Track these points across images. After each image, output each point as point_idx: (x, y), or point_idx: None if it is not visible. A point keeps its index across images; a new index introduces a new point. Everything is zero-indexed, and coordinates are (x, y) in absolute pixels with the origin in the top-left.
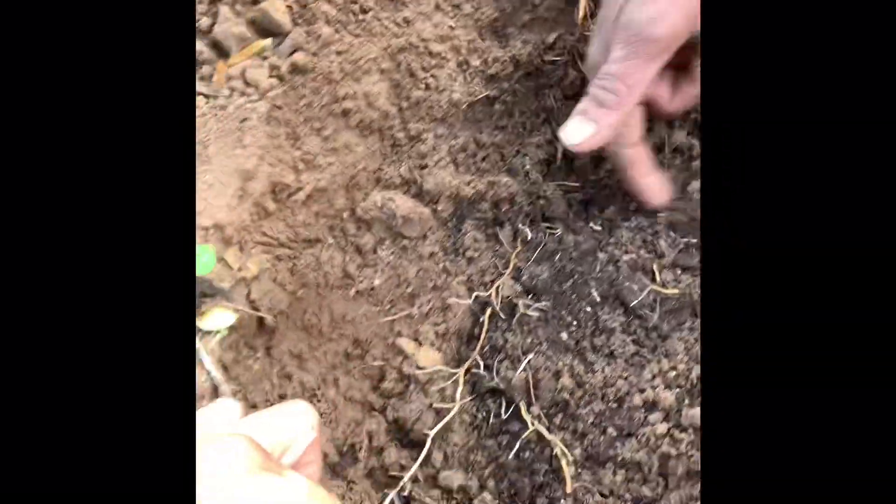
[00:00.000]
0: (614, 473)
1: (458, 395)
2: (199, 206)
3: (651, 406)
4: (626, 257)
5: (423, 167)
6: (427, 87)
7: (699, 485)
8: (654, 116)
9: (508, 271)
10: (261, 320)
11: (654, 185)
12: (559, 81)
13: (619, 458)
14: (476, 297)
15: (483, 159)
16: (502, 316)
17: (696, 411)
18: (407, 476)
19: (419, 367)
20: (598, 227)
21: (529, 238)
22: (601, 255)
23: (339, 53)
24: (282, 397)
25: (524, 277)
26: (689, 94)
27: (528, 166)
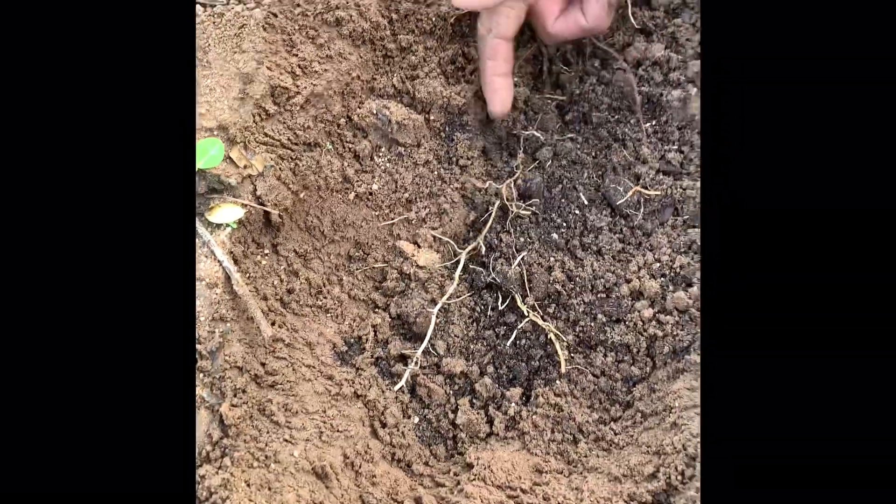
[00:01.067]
0: (605, 356)
1: (456, 274)
2: (202, 108)
3: (637, 294)
4: (611, 163)
5: (414, 78)
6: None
7: (683, 361)
8: (535, 33)
9: (514, 177)
10: (267, 216)
11: (500, 88)
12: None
13: (610, 342)
14: (473, 201)
15: (472, 73)
16: (497, 218)
17: (680, 294)
18: (414, 360)
19: (419, 267)
20: (585, 137)
21: (519, 148)
22: (588, 161)
23: None
24: (290, 292)
25: (517, 182)
26: (574, 22)
27: (515, 80)
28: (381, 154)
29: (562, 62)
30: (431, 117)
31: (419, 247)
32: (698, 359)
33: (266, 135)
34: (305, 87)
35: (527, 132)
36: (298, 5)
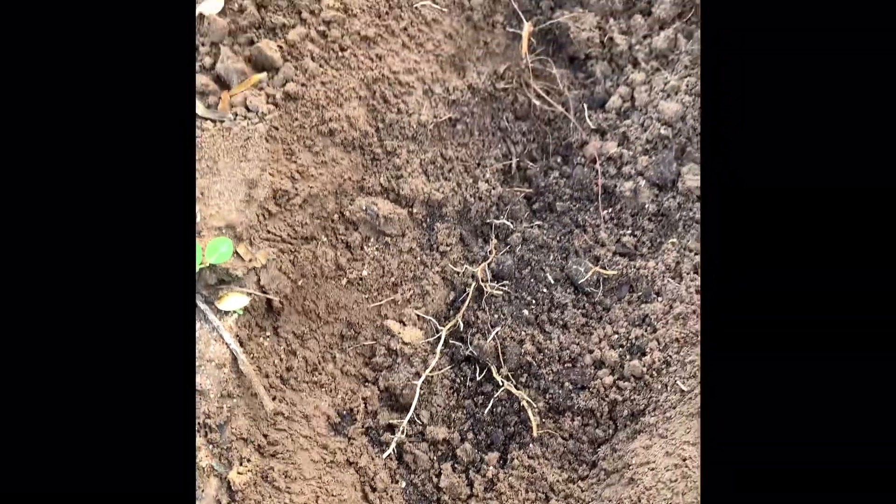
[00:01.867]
0: (572, 420)
1: (438, 349)
2: (212, 210)
3: (599, 363)
4: (573, 246)
5: (398, 177)
6: (399, 110)
7: (640, 423)
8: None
9: (488, 261)
10: (269, 303)
11: None
12: (511, 105)
13: (576, 407)
14: (452, 282)
15: (449, 171)
16: (474, 298)
17: (635, 363)
18: (400, 429)
19: (404, 343)
20: (550, 223)
21: (493, 235)
22: (553, 245)
23: (323, 84)
24: (289, 370)
25: (491, 265)
26: None
27: (488, 175)
28: (370, 244)
29: (528, 159)
30: (414, 210)
31: (404, 325)
32: (653, 420)
33: (269, 232)
34: (303, 189)
35: (498, 221)
36: (296, 119)
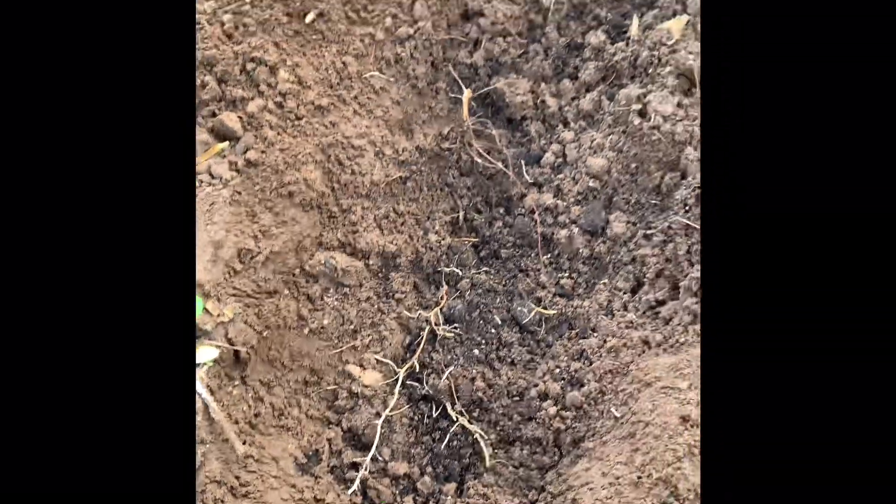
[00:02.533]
0: (521, 449)
1: (396, 390)
2: None
3: (544, 396)
4: (517, 290)
5: (354, 232)
6: (353, 172)
7: (581, 448)
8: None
9: (440, 306)
10: (237, 354)
11: None
12: (455, 163)
13: (524, 437)
14: (407, 327)
15: (402, 224)
16: (427, 340)
17: (575, 394)
18: (363, 466)
19: (365, 386)
20: (496, 269)
21: (444, 281)
22: (499, 289)
23: (281, 150)
24: (257, 415)
25: (443, 309)
26: None
27: (437, 227)
28: (329, 295)
29: (474, 211)
30: (370, 262)
31: (364, 369)
32: (591, 444)
33: (235, 288)
34: (266, 248)
35: (448, 269)
36: (257, 184)
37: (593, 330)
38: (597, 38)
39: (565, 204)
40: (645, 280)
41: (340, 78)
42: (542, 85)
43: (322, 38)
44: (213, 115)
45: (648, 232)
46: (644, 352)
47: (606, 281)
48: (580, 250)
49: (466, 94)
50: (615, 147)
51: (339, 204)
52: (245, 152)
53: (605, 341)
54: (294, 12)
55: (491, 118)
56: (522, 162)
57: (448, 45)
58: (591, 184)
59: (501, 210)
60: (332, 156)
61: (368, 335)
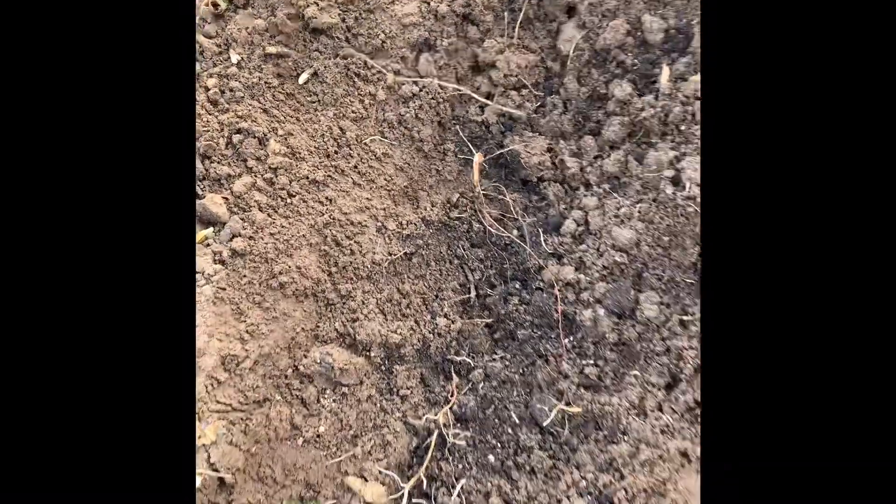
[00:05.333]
0: None
1: None
2: None
3: None
4: (536, 380)
5: (354, 320)
6: (352, 252)
7: None
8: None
9: (450, 404)
10: (221, 479)
11: None
12: (466, 233)
13: None
14: (414, 427)
15: (407, 306)
16: (436, 446)
17: None
18: None
19: (366, 502)
20: (513, 353)
21: (454, 373)
22: (516, 379)
23: (272, 235)
24: None
25: (454, 407)
26: None
27: (446, 308)
28: (326, 395)
29: (487, 286)
30: (372, 354)
31: (366, 481)
32: None
33: (218, 402)
34: (254, 350)
35: (459, 357)
36: (244, 276)
37: (623, 433)
38: (622, 89)
39: (589, 279)
40: (682, 376)
41: (338, 145)
42: (561, 142)
43: (317, 101)
44: (196, 197)
45: (685, 318)
46: (683, 466)
47: (637, 373)
48: (606, 335)
49: (477, 157)
50: (645, 217)
51: (338, 289)
52: (231, 240)
53: (637, 449)
54: (286, 73)
55: (504, 180)
56: (540, 230)
57: (457, 102)
58: (617, 258)
59: (517, 284)
60: (328, 236)
61: (370, 440)
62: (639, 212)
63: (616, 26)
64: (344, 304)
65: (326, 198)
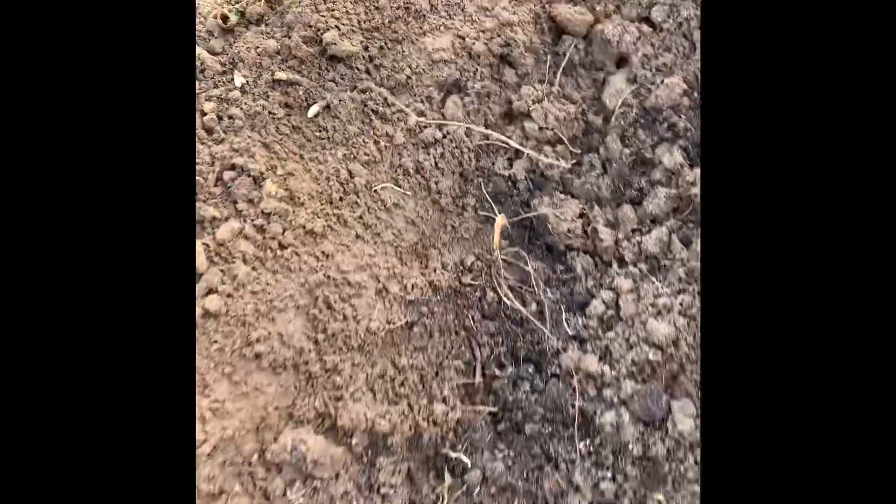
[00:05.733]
0: None
1: None
2: None
3: None
4: (543, 492)
5: (338, 399)
6: (345, 317)
7: None
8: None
9: None
10: None
11: None
12: (478, 302)
13: None
14: None
15: (401, 385)
16: None
17: None
18: None
19: None
20: (517, 451)
21: (447, 471)
22: (519, 488)
23: (254, 293)
24: None
25: None
26: None
27: (446, 391)
28: (294, 489)
29: (495, 366)
30: (353, 441)
31: None
32: None
33: None
34: (214, 433)
35: (455, 453)
36: (215, 342)
37: None
38: (671, 156)
39: (615, 374)
40: None
41: (344, 191)
42: (596, 209)
43: (326, 139)
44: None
45: None
46: None
47: (662, 499)
48: (630, 445)
49: (500, 220)
50: (687, 312)
51: (323, 361)
52: (205, 296)
53: None
54: (294, 103)
55: (527, 244)
56: (563, 307)
57: (483, 153)
58: (651, 355)
59: (531, 368)
60: (320, 297)
61: None
62: (680, 304)
63: (672, 84)
64: (328, 378)
65: (323, 252)
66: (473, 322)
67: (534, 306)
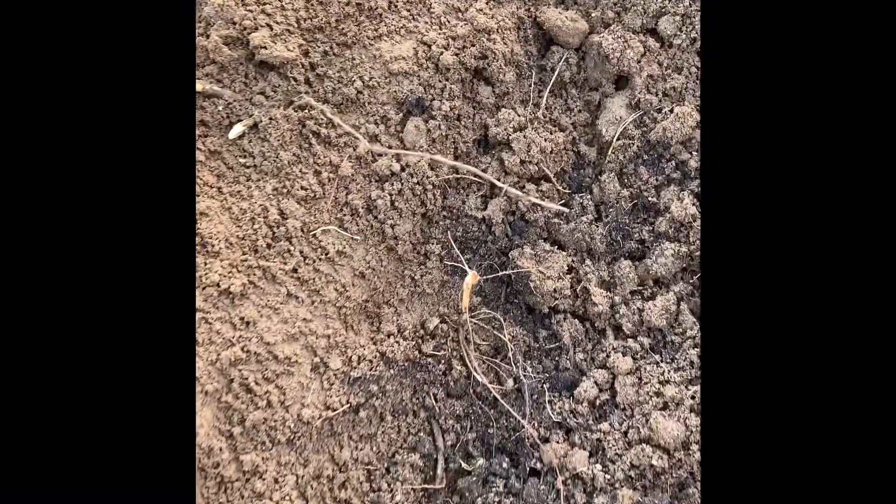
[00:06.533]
0: None
1: None
2: None
3: None
4: None
5: None
6: (269, 403)
7: None
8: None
9: None
10: None
11: None
12: (442, 376)
13: None
14: None
15: (342, 486)
16: None
17: None
18: None
19: None
20: None
21: None
22: None
23: None
24: None
25: None
26: None
27: (398, 496)
28: None
29: (461, 457)
30: None
31: None
32: None
33: None
34: None
35: None
36: None
37: None
38: (680, 203)
39: (608, 477)
40: None
41: (274, 236)
42: (587, 263)
43: (253, 167)
44: None
45: None
46: None
47: None
48: None
49: (470, 277)
50: (699, 408)
51: (239, 462)
52: None
53: None
54: (212, 121)
55: (504, 304)
56: (546, 386)
57: (451, 189)
58: (655, 459)
59: (505, 462)
60: (236, 379)
61: None
62: (692, 398)
63: (683, 114)
64: (246, 483)
65: (242, 318)
66: (436, 402)
67: (510, 383)
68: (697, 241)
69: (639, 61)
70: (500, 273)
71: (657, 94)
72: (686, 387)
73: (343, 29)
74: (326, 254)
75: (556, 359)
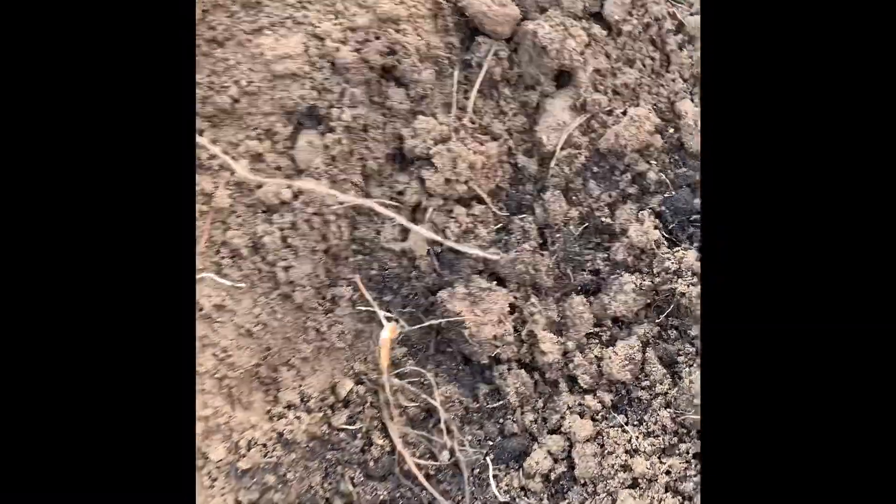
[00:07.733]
0: None
1: None
2: None
3: None
4: None
5: None
6: None
7: None
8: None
9: None
10: None
11: None
12: (359, 453)
13: None
14: None
15: None
16: None
17: None
18: None
19: None
20: None
21: None
22: None
23: None
24: None
25: None
26: None
27: None
28: None
29: None
30: None
31: None
32: None
33: None
34: None
35: None
36: None
37: None
38: (640, 225)
39: None
40: None
41: None
42: (532, 301)
43: None
44: None
45: None
46: None
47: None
48: None
49: (387, 331)
50: (679, 485)
51: None
52: None
53: None
54: None
55: (434, 355)
56: (489, 458)
57: (362, 216)
58: None
59: None
60: None
61: None
62: (668, 472)
63: (638, 117)
64: None
65: None
66: (353, 486)
67: (445, 456)
68: (663, 273)
69: (582, 53)
70: (427, 322)
71: (606, 93)
72: (659, 459)
73: (211, 21)
74: (200, 310)
75: (501, 421)
